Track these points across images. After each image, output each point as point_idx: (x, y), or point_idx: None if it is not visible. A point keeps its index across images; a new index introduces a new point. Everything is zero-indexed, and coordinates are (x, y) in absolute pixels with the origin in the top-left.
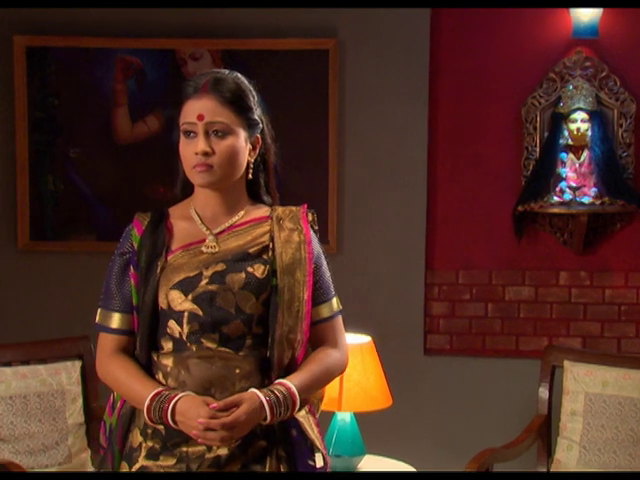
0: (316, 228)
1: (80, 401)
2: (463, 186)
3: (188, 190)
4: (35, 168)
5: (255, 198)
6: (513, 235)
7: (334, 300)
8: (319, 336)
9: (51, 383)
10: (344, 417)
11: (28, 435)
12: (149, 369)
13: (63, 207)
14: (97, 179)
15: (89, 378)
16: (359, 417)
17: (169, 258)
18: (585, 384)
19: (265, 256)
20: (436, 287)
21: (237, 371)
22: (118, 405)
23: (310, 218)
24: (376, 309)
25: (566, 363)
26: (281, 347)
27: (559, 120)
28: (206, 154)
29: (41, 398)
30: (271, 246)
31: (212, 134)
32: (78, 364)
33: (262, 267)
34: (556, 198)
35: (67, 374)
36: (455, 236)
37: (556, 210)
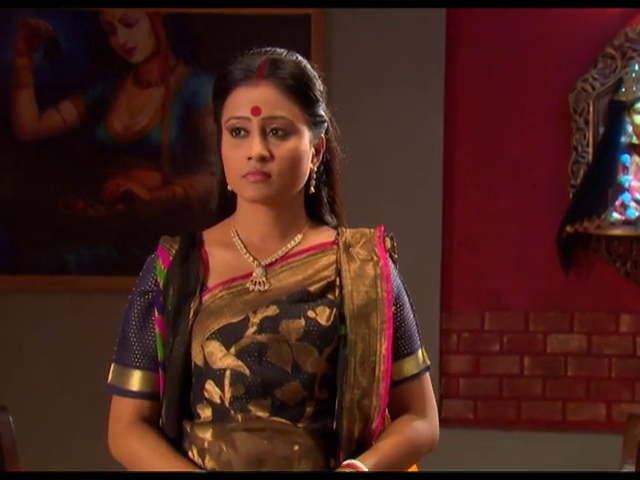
0: (396, 257)
1: None
2: (490, 199)
3: (228, 207)
4: None
5: (315, 218)
6: (558, 265)
7: (420, 352)
8: (401, 400)
9: None
10: None
11: None
12: (180, 444)
13: None
14: None
15: (8, 466)
16: None
17: (205, 298)
18: None
19: (330, 296)
20: (455, 335)
21: (295, 448)
22: None
23: (388, 245)
24: None
25: None
26: (352, 417)
27: (620, 111)
28: (263, 159)
29: None
30: (338, 282)
31: (270, 133)
32: None
33: (327, 311)
34: (616, 215)
35: None
36: (480, 266)
37: (617, 232)
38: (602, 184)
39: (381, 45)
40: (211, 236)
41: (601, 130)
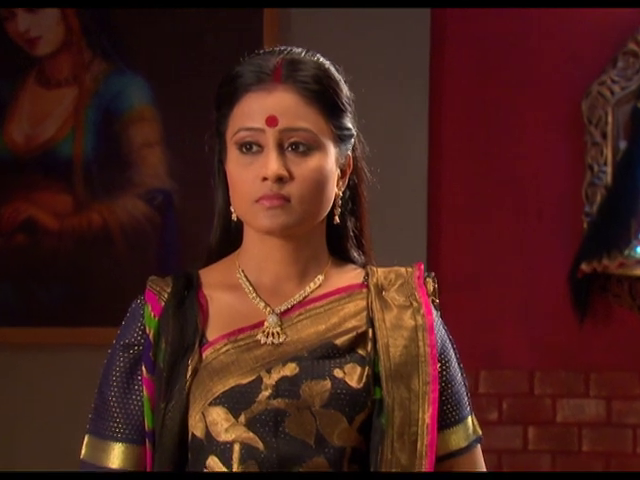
0: (437, 302)
1: None
2: (486, 230)
3: (232, 241)
4: None
5: (338, 254)
6: (570, 312)
7: (470, 420)
8: None
9: None
10: None
11: None
12: None
13: None
14: None
15: None
16: None
17: (206, 354)
18: None
19: (361, 351)
20: None
21: None
22: None
23: (430, 288)
24: None
25: None
26: None
27: None
28: (281, 180)
29: None
30: (370, 334)
31: (289, 149)
32: None
33: (358, 369)
34: None
35: None
36: (473, 314)
37: None
38: (624, 212)
39: (348, 35)
40: (211, 277)
41: (622, 145)
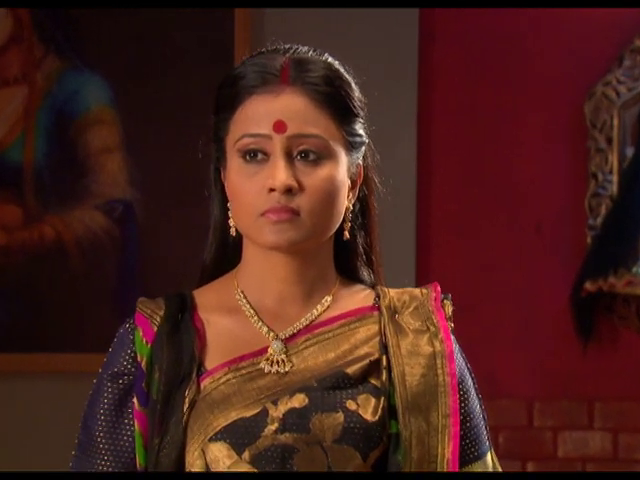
0: (452, 326)
1: None
2: (480, 246)
3: (229, 258)
4: None
5: (346, 272)
6: (573, 336)
7: (489, 456)
8: None
9: None
10: None
11: None
12: None
13: None
14: None
15: None
16: None
17: (204, 384)
18: None
19: (375, 380)
20: None
21: None
22: None
23: (448, 311)
24: None
25: None
26: None
27: None
28: (289, 191)
29: None
30: (385, 362)
31: (298, 157)
32: None
33: (372, 401)
34: None
35: None
36: (467, 338)
37: None
38: (631, 225)
39: (325, 34)
40: (206, 298)
41: (629, 151)
